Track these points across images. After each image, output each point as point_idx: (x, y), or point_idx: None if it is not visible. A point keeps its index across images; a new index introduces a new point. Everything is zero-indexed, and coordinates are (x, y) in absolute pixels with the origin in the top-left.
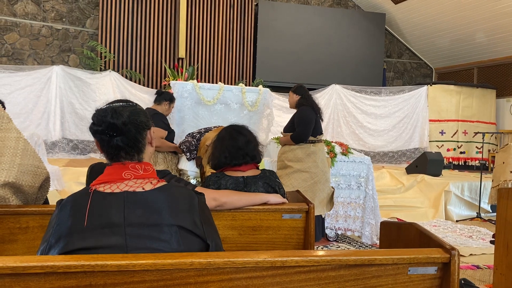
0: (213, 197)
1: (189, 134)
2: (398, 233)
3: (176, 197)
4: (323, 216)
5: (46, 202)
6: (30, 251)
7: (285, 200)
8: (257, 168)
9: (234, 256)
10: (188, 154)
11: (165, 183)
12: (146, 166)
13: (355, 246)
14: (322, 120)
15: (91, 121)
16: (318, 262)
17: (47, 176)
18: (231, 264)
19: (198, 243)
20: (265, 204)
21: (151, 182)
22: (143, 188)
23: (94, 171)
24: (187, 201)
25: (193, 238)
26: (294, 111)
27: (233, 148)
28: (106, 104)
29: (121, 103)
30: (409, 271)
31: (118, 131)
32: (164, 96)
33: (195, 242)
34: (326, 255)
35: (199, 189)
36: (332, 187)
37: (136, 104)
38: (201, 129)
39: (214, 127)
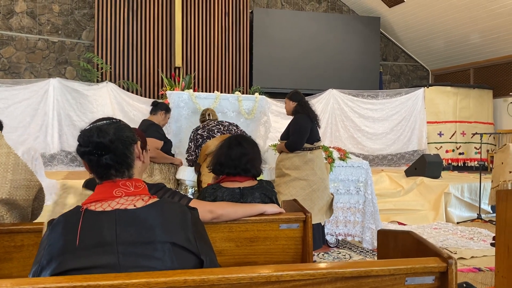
0: (209, 210)
1: (191, 140)
2: (395, 242)
3: (169, 213)
4: (322, 224)
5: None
6: (25, 269)
7: (282, 210)
8: (255, 179)
9: (228, 272)
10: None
11: (157, 199)
12: (137, 182)
13: (355, 251)
14: (319, 127)
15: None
16: (314, 276)
17: (40, 187)
18: (226, 280)
19: (192, 260)
20: (262, 214)
21: (142, 199)
22: (134, 205)
23: (90, 186)
24: (179, 217)
25: (186, 254)
26: (292, 117)
27: (225, 158)
28: (90, 124)
29: (105, 121)
30: (406, 281)
31: (106, 150)
32: (160, 106)
33: (189, 259)
34: (322, 268)
35: (194, 201)
36: (332, 194)
37: (119, 120)
38: (203, 132)
39: (218, 132)
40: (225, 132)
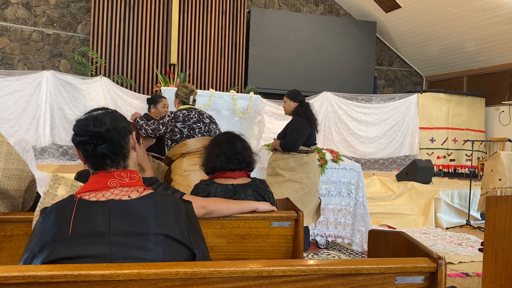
0: (202, 205)
1: (164, 124)
2: (386, 242)
3: (163, 205)
4: (309, 226)
5: (36, 202)
6: (14, 259)
7: (274, 208)
8: (248, 176)
9: (220, 266)
10: None
11: (152, 191)
12: (132, 173)
13: (345, 253)
14: (317, 131)
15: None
16: (305, 272)
17: (32, 178)
18: (217, 273)
19: (185, 252)
20: (254, 212)
21: (137, 190)
22: (129, 196)
23: (82, 178)
24: (174, 209)
25: (179, 247)
26: (288, 117)
27: (231, 152)
28: (86, 114)
29: (100, 111)
30: (396, 280)
31: (102, 139)
32: (148, 102)
33: (181, 251)
34: (313, 264)
35: (187, 197)
36: (319, 198)
37: (114, 110)
38: (184, 129)
39: (199, 132)
40: (205, 134)
